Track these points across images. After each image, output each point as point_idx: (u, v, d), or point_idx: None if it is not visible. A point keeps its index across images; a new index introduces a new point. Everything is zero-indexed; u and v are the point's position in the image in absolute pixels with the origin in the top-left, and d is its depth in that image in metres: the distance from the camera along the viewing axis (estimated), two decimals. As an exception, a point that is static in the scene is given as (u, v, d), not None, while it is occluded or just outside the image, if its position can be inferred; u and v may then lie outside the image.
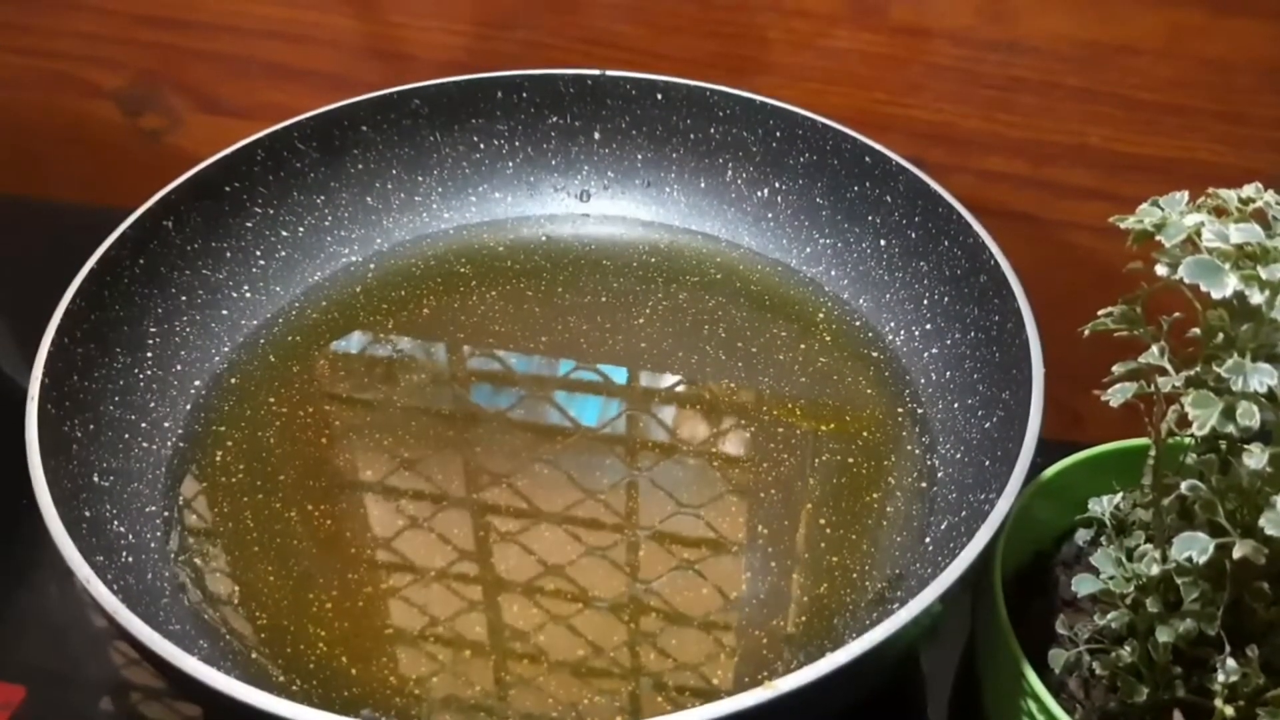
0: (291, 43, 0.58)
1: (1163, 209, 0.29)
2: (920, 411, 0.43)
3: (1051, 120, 0.50)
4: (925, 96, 0.51)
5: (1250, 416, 0.27)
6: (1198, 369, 0.29)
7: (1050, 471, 0.38)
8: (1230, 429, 0.27)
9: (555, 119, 0.52)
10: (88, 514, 0.35)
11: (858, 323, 0.47)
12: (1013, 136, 0.51)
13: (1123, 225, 0.30)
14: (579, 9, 0.53)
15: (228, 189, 0.47)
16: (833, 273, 0.48)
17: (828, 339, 0.46)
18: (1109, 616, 0.32)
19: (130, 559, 0.36)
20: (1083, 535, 0.38)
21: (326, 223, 0.50)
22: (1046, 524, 0.39)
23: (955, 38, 0.49)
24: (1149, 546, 0.31)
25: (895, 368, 0.45)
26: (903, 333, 0.45)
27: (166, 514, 0.39)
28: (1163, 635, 0.30)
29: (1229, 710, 0.29)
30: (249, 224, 0.48)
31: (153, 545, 0.38)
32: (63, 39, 0.61)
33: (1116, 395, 0.30)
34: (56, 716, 0.40)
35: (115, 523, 0.37)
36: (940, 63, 0.50)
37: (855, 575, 0.38)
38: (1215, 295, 0.27)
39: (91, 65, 0.61)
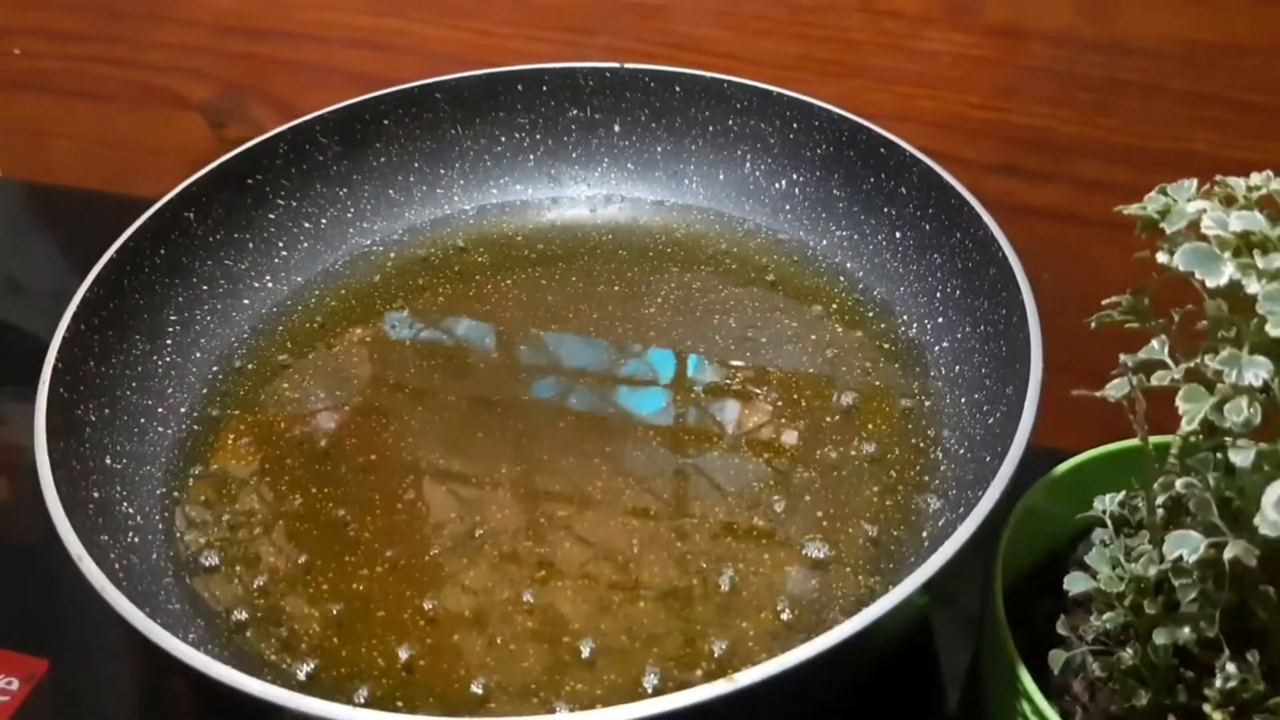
0: (376, 51, 0.57)
1: (1169, 196, 0.28)
2: (928, 405, 0.42)
3: (1155, 125, 0.48)
4: (1020, 100, 0.49)
5: (1238, 412, 0.25)
6: (1196, 362, 0.28)
7: (1063, 467, 0.37)
8: (1225, 424, 0.26)
9: (575, 112, 0.52)
10: (96, 495, 0.36)
11: (871, 314, 0.46)
12: (1113, 142, 0.48)
13: (1125, 212, 0.29)
14: (664, 13, 0.52)
15: (250, 181, 0.48)
16: (849, 265, 0.48)
17: (839, 330, 0.45)
18: (1104, 617, 0.31)
19: (135, 539, 0.37)
20: (1099, 534, 0.37)
21: (349, 214, 0.51)
22: (1061, 522, 0.38)
23: (1053, 38, 0.47)
24: (1149, 546, 0.30)
25: (906, 360, 0.44)
26: (915, 326, 0.45)
27: (175, 495, 0.40)
28: (1160, 637, 0.29)
29: (1218, 716, 0.28)
30: (271, 215, 0.49)
31: (159, 526, 0.39)
32: (151, 50, 0.61)
33: (1113, 390, 0.29)
34: (79, 689, 0.41)
35: (124, 504, 0.38)
36: (1037, 65, 0.48)
37: (849, 569, 0.37)
38: (1210, 283, 0.26)
39: (179, 76, 0.62)
